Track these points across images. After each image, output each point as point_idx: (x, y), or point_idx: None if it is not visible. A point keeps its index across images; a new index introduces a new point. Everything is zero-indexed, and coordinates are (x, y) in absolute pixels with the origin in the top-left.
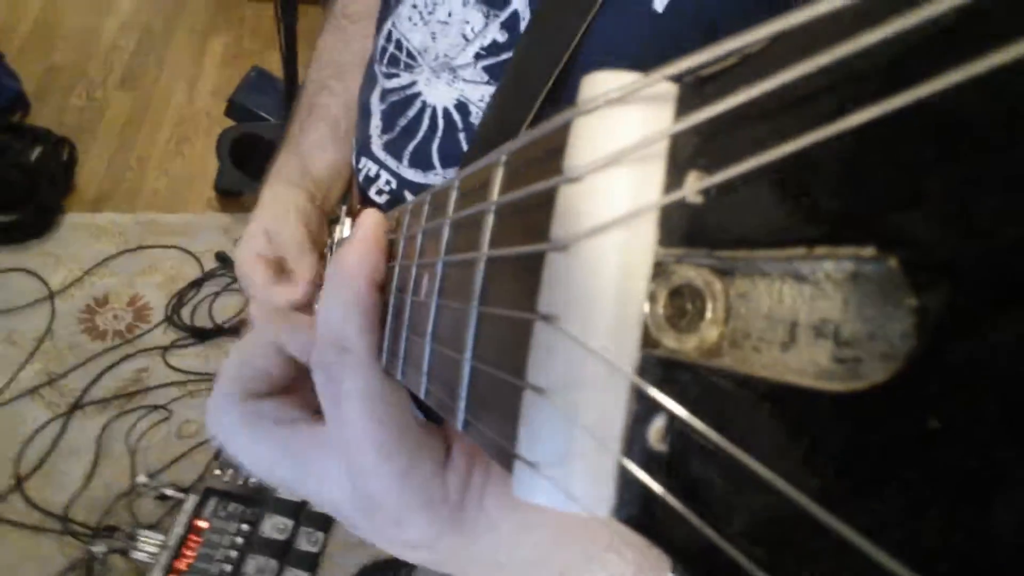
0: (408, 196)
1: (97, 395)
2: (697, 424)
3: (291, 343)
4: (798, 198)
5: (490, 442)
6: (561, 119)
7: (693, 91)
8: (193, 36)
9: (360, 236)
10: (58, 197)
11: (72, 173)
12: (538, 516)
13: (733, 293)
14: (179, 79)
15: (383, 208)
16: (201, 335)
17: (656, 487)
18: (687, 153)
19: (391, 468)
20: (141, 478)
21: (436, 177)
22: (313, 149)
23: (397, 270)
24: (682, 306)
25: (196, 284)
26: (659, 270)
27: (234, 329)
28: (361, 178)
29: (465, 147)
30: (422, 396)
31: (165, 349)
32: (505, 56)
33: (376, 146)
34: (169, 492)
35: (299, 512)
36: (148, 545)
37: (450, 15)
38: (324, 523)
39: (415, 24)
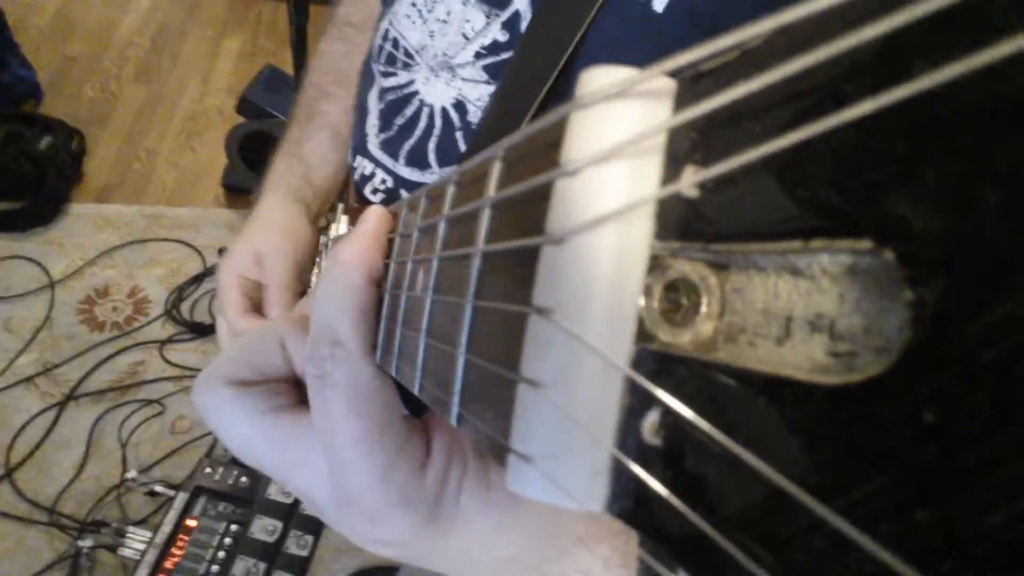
0: (404, 195)
1: (92, 387)
2: (691, 418)
3: (294, 344)
4: (794, 192)
5: (484, 436)
6: (558, 114)
7: (691, 86)
8: (209, 33)
9: (361, 231)
10: (66, 187)
11: (81, 163)
12: (512, 513)
13: (728, 287)
14: (193, 75)
15: None
16: (199, 331)
17: (650, 480)
18: (684, 147)
19: (371, 464)
20: (131, 473)
21: (432, 176)
22: (316, 158)
23: (393, 266)
24: (677, 300)
25: (197, 279)
26: (655, 264)
27: None
28: (357, 177)
29: (462, 146)
30: (416, 391)
31: (162, 343)
32: (505, 55)
33: (372, 145)
34: (159, 488)
35: (289, 515)
36: (136, 541)
37: (449, 14)
38: (314, 527)
39: (413, 23)
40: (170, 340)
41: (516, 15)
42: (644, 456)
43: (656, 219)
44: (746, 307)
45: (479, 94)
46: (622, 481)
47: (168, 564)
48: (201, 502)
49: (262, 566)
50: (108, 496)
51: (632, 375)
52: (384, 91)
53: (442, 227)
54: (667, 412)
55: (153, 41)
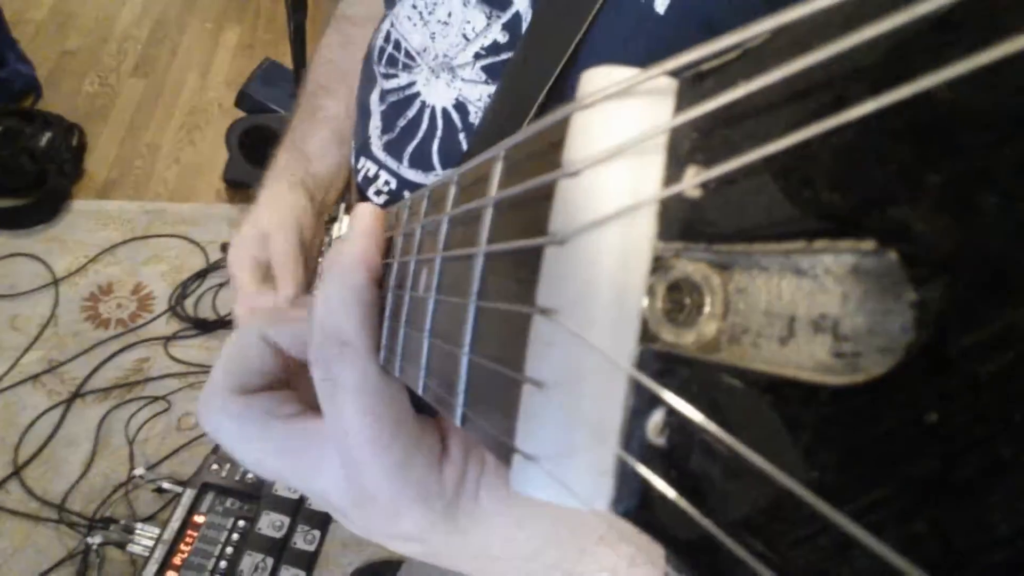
0: (405, 197)
1: (98, 384)
2: (696, 418)
3: (279, 336)
4: (797, 192)
5: (488, 436)
6: (560, 114)
7: (692, 86)
8: (207, 26)
9: (358, 230)
10: (67, 183)
11: (81, 159)
12: (532, 510)
13: (731, 288)
14: (192, 68)
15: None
16: (203, 326)
17: (655, 480)
18: (686, 147)
19: (386, 462)
20: (139, 470)
21: (436, 178)
22: (317, 153)
23: (395, 266)
24: (680, 300)
25: (200, 275)
26: (658, 264)
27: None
28: (360, 178)
29: (465, 147)
30: (420, 392)
31: (167, 340)
32: (505, 56)
33: (376, 147)
34: (166, 485)
35: (296, 510)
36: (144, 538)
37: (450, 15)
38: (321, 522)
39: (414, 24)
40: (175, 336)
41: (517, 16)
42: (649, 456)
43: (659, 219)
44: (749, 307)
45: (479, 95)
46: (627, 481)
47: (176, 560)
48: (208, 498)
49: (270, 561)
50: (116, 493)
51: (636, 375)
52: (385, 92)
53: (445, 227)
54: (671, 412)
55: (151, 34)
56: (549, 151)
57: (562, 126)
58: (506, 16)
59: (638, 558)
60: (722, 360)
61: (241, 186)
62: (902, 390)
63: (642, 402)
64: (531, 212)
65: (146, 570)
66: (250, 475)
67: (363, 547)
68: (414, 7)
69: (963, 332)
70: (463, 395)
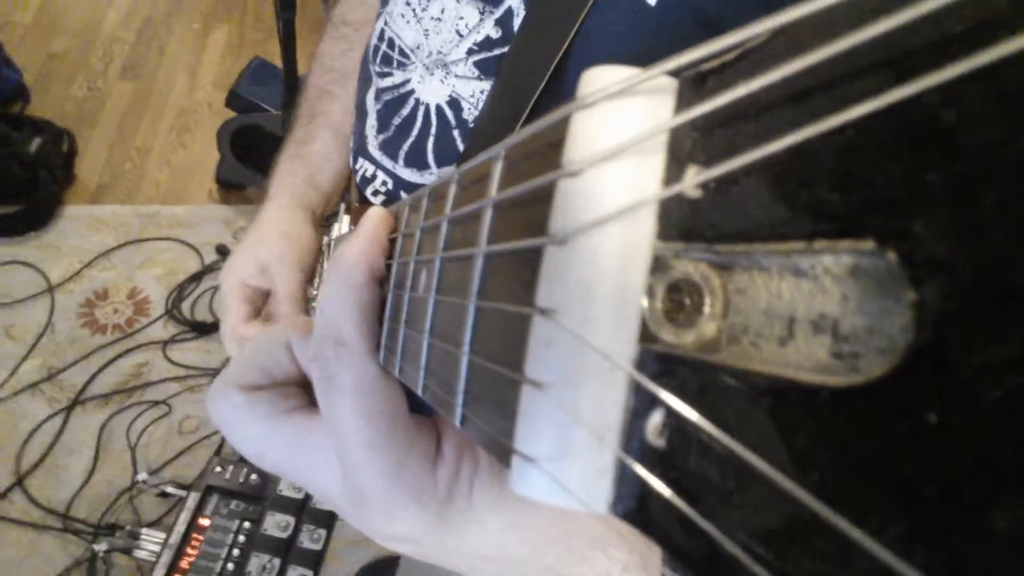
0: (404, 196)
1: (97, 390)
2: (695, 419)
3: (299, 349)
4: (797, 192)
5: (487, 437)
6: (560, 114)
7: (693, 86)
8: (194, 26)
9: (362, 232)
10: (58, 189)
11: (72, 165)
12: (526, 512)
13: (731, 288)
14: (180, 69)
15: None
16: (201, 329)
17: (654, 482)
18: (686, 147)
19: (381, 463)
20: (142, 475)
21: (431, 177)
22: (320, 159)
23: (395, 266)
24: (680, 301)
25: (196, 277)
26: (657, 264)
27: None
28: (358, 178)
29: (460, 145)
30: (419, 392)
31: (165, 343)
32: (498, 52)
33: (372, 146)
34: (170, 489)
35: (301, 510)
36: (150, 543)
37: (443, 12)
38: (326, 520)
39: (408, 22)
40: (172, 340)
41: (509, 12)
42: (648, 457)
43: (659, 219)
44: (749, 308)
45: (472, 91)
46: (626, 483)
47: (183, 564)
48: (213, 501)
49: (277, 562)
50: (120, 499)
51: (636, 376)
52: (380, 91)
53: (444, 227)
54: (671, 413)
55: (138, 36)
56: (549, 151)
57: (562, 126)
58: (499, 12)
59: (631, 563)
60: (722, 361)
61: (234, 186)
62: (902, 391)
63: (642, 403)
64: (531, 212)
65: (153, 575)
66: (254, 476)
67: (369, 544)
68: (407, 4)
69: (963, 332)
70: (462, 396)
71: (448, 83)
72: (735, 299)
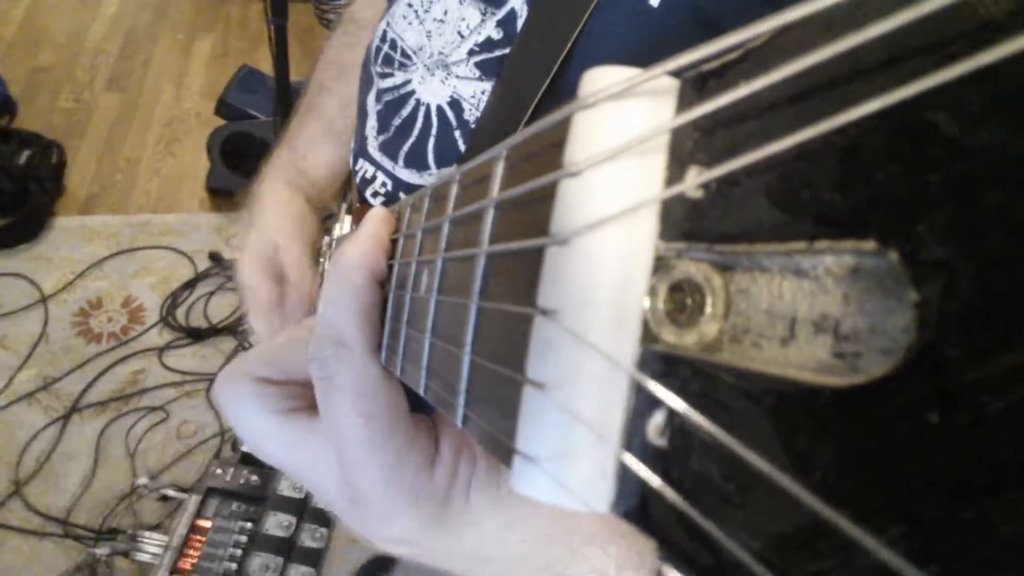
0: (403, 198)
1: (94, 398)
2: (697, 419)
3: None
4: (798, 192)
5: (489, 437)
6: (561, 114)
7: (694, 86)
8: (179, 36)
9: (364, 233)
10: (48, 200)
11: (62, 176)
12: (523, 512)
13: (733, 288)
14: (166, 80)
15: None
16: (196, 335)
17: (655, 481)
18: (688, 147)
19: (378, 463)
20: (142, 480)
21: (431, 178)
22: (305, 146)
23: (397, 267)
24: (682, 301)
25: (190, 284)
26: (659, 264)
27: (230, 328)
28: (358, 180)
29: (461, 146)
30: (421, 392)
31: (161, 350)
32: (499, 53)
33: (372, 147)
34: (170, 493)
35: (302, 509)
36: (151, 546)
37: (446, 13)
38: (327, 519)
39: (410, 23)
40: (168, 347)
41: (512, 13)
42: (649, 457)
43: (660, 220)
44: (751, 308)
45: (472, 91)
46: (628, 482)
47: (185, 565)
48: (214, 503)
49: (279, 561)
50: (120, 505)
51: (637, 376)
52: (381, 92)
53: (446, 228)
54: (672, 413)
55: (123, 48)
56: (551, 151)
57: (564, 126)
58: (501, 13)
59: (628, 561)
60: (723, 361)
61: (225, 194)
62: (903, 390)
63: (643, 403)
64: (532, 212)
65: None
66: (254, 478)
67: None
68: (410, 6)
69: (965, 332)
70: (464, 396)
71: (449, 84)
72: (737, 299)
